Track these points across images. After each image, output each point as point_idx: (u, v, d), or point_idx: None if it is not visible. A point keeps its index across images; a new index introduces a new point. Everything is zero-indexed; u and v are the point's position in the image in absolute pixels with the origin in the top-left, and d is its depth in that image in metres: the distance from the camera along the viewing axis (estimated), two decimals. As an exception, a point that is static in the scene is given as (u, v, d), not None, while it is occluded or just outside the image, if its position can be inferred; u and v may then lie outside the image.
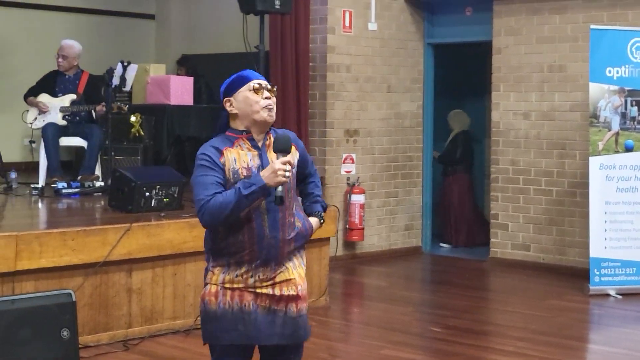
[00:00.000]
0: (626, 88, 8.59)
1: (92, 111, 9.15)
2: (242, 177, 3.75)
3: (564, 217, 9.49)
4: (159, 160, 10.22)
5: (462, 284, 9.01)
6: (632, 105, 8.60)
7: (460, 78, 11.63)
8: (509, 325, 7.35)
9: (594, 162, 8.52)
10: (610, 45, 8.57)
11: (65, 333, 5.46)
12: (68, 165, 9.88)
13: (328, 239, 8.02)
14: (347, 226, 9.98)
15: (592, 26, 8.65)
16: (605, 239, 8.47)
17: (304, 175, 4.08)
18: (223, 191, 3.71)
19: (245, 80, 3.84)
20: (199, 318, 4.02)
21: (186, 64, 11.58)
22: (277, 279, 3.84)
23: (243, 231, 3.78)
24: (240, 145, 3.82)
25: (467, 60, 11.57)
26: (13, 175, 8.79)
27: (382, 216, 10.54)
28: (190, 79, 10.82)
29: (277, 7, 8.41)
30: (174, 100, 10.38)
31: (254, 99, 3.79)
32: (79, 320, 5.78)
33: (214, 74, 11.67)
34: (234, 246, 3.80)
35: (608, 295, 8.38)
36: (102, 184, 8.53)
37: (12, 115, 9.77)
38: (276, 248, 3.81)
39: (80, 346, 5.78)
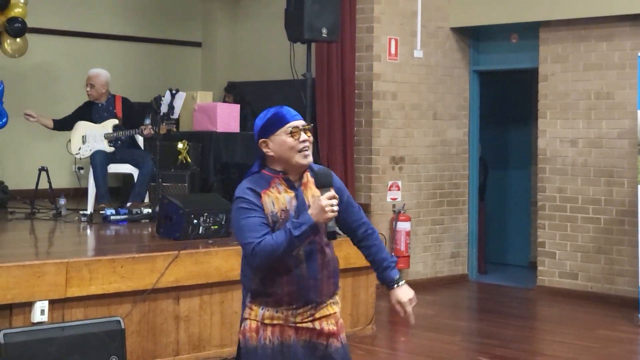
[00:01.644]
0: (675, 116, 8.51)
1: (137, 134, 9.21)
2: (281, 219, 3.69)
3: (612, 246, 9.39)
4: (205, 187, 10.26)
5: (510, 312, 8.93)
6: (682, 133, 8.50)
7: (506, 105, 11.58)
8: (558, 355, 7.27)
9: (643, 190, 8.43)
10: (659, 72, 8.50)
11: (114, 360, 5.48)
12: (115, 192, 9.95)
13: (374, 266, 7.98)
14: (393, 253, 9.95)
15: (641, 53, 8.59)
16: (656, 268, 8.36)
17: (351, 220, 3.97)
18: (269, 232, 3.65)
19: (281, 123, 3.75)
20: (240, 358, 3.89)
21: (233, 91, 11.65)
22: (317, 315, 3.80)
23: (281, 275, 3.73)
24: (276, 187, 3.75)
25: (512, 87, 11.52)
26: (62, 201, 8.87)
27: (427, 244, 10.50)
28: (237, 106, 10.88)
29: (325, 35, 8.44)
30: (220, 127, 10.43)
31: (291, 144, 3.72)
32: (127, 348, 5.80)
33: (260, 101, 11.75)
34: (272, 287, 3.75)
35: (660, 325, 8.28)
36: (150, 211, 8.57)
37: (59, 141, 9.86)
38: (316, 289, 3.77)
39: (128, 373, 5.80)
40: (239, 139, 10.73)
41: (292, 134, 3.72)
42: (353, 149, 9.87)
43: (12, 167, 10.51)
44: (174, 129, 9.02)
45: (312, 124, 3.92)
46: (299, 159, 3.74)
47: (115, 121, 9.25)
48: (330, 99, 9.64)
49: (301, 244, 3.65)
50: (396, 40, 10.11)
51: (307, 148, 3.76)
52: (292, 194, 3.77)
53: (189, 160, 10.00)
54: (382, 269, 3.97)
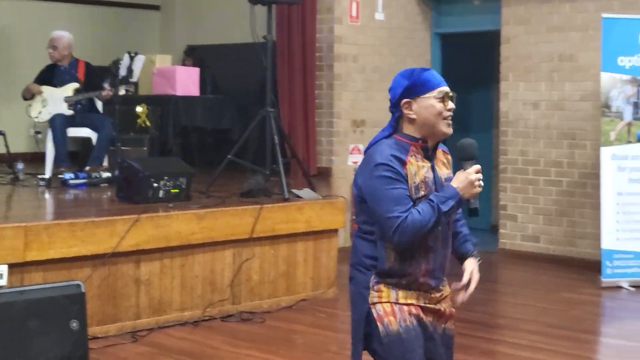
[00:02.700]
0: (638, 77, 8.50)
1: (96, 99, 9.07)
2: (422, 192, 3.42)
3: (575, 208, 9.40)
4: (165, 151, 10.16)
5: (472, 275, 8.92)
6: (644, 95, 8.52)
7: (468, 68, 11.54)
8: (521, 318, 7.27)
9: (605, 152, 8.42)
10: (622, 34, 8.46)
11: (74, 324, 5.37)
12: (74, 156, 9.80)
13: (336, 230, 7.95)
14: (353, 217, 9.89)
15: (604, 15, 8.54)
16: (617, 230, 8.38)
17: None
18: (412, 206, 3.39)
19: (431, 85, 3.45)
20: (381, 345, 3.48)
21: (192, 55, 11.50)
22: (442, 297, 3.59)
23: (420, 252, 3.46)
24: (414, 155, 3.47)
25: (475, 50, 11.47)
26: (20, 166, 8.73)
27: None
28: (197, 70, 10.75)
29: (286, -4, 8.32)
30: (180, 91, 10.31)
31: (439, 109, 3.45)
32: (87, 312, 5.70)
33: (220, 65, 11.64)
34: (408, 267, 3.46)
35: (620, 287, 8.29)
36: (109, 175, 8.45)
37: (17, 106, 9.69)
38: (445, 265, 3.56)
39: (88, 337, 5.71)
40: (198, 102, 10.62)
41: (442, 99, 3.46)
42: (314, 113, 9.77)
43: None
44: (132, 90, 8.88)
45: (454, 92, 3.56)
46: (443, 127, 3.47)
47: (76, 85, 9.10)
48: (291, 62, 9.53)
49: (447, 220, 3.45)
50: (357, 3, 10.01)
51: (451, 117, 3.51)
52: (429, 164, 3.51)
53: (148, 124, 9.89)
54: (463, 241, 3.70)
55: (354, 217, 3.55)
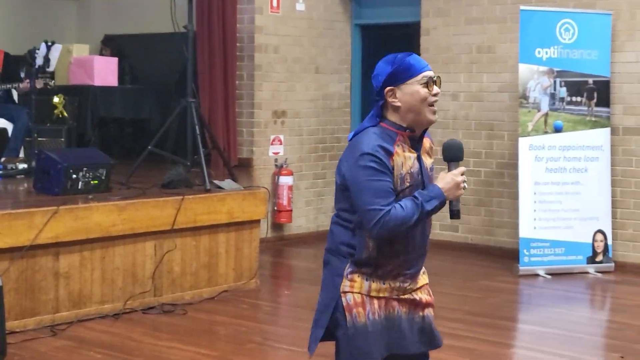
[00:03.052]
0: (555, 69, 8.65)
1: (14, 89, 8.89)
2: (407, 184, 3.36)
3: (493, 198, 9.54)
4: (83, 142, 10.01)
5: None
6: (561, 86, 8.66)
7: (388, 59, 11.59)
8: (441, 306, 7.22)
9: (523, 142, 8.56)
10: (539, 26, 8.61)
11: (-9, 319, 5.27)
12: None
13: (258, 221, 7.93)
14: (275, 208, 9.89)
15: (522, 7, 8.67)
16: (535, 219, 8.53)
17: None
18: (395, 200, 3.32)
19: (414, 70, 3.36)
20: (345, 335, 3.44)
21: (110, 44, 11.34)
22: (417, 286, 3.55)
23: (400, 241, 3.40)
24: (401, 145, 3.39)
25: (395, 41, 11.53)
26: None
27: (310, 198, 10.48)
28: (115, 60, 10.60)
29: (206, -15, 8.24)
30: (97, 81, 10.16)
31: (423, 95, 3.34)
32: (5, 305, 5.60)
33: (139, 55, 11.50)
34: (386, 257, 3.41)
35: (537, 275, 8.45)
36: (26, 166, 8.29)
37: None
38: (424, 255, 3.53)
39: (6, 332, 5.60)
40: (117, 92, 10.49)
41: (426, 84, 3.36)
42: (235, 103, 9.71)
43: None
44: (51, 84, 8.71)
45: (438, 76, 3.46)
46: (428, 113, 3.37)
47: (-7, 75, 8.92)
48: (212, 52, 9.44)
49: (427, 218, 3.38)
50: (278, -7, 9.98)
51: (435, 103, 3.41)
52: (415, 154, 3.43)
53: (65, 114, 9.73)
54: None
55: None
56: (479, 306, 7.31)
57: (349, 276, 3.44)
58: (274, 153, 10.01)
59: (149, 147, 7.94)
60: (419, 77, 3.36)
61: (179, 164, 7.97)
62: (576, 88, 8.69)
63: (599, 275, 8.53)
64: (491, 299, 7.57)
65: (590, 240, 8.61)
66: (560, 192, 8.59)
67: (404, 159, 3.37)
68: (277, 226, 10.04)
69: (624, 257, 8.77)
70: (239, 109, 9.82)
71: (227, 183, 7.93)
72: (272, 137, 10.00)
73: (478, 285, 8.07)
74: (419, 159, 3.43)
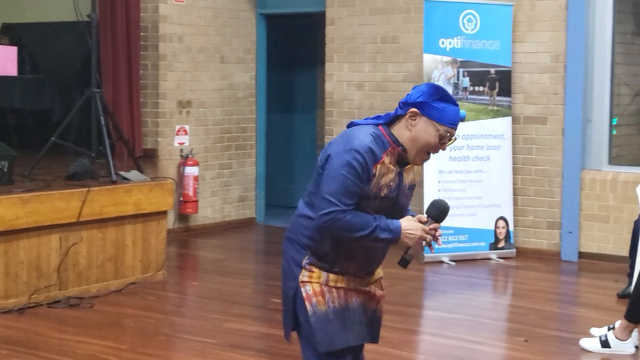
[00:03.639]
0: (458, 59, 8.78)
1: None
2: (382, 194, 3.37)
3: (398, 187, 9.62)
4: (-19, 133, 9.77)
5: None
6: (464, 76, 8.80)
7: (294, 49, 11.62)
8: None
9: (427, 132, 8.66)
10: (443, 17, 8.73)
11: None
12: None
13: (165, 212, 7.86)
14: (181, 199, 9.83)
15: (425, -2, 8.79)
16: (439, 207, 8.64)
17: None
18: (360, 205, 3.36)
19: (448, 119, 3.36)
20: (307, 324, 3.49)
21: (9, 33, 11.09)
22: (373, 281, 3.65)
23: (359, 248, 3.47)
24: (390, 157, 3.39)
25: (300, 31, 11.56)
26: None
27: (215, 188, 10.44)
28: (14, 49, 10.34)
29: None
30: (-4, 71, 9.91)
31: (432, 144, 3.37)
32: None
33: (39, 44, 11.27)
34: (343, 255, 3.47)
35: (442, 262, 8.60)
36: None
37: None
38: (380, 258, 3.60)
39: None
40: (16, 82, 10.26)
41: (442, 137, 3.37)
42: (139, 93, 9.60)
43: None
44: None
45: (455, 138, 3.49)
46: (419, 157, 3.41)
47: None
48: (115, 41, 9.31)
49: (374, 244, 3.42)
50: (182, -18, 9.89)
51: (432, 154, 3.45)
52: (397, 169, 3.43)
53: (-38, 105, 9.48)
54: None
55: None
56: (387, 294, 7.37)
57: (307, 267, 3.50)
58: (179, 143, 9.94)
59: (52, 138, 7.79)
60: (444, 127, 3.37)
61: (83, 156, 7.85)
62: (479, 78, 8.84)
63: (501, 261, 8.73)
64: (397, 287, 7.65)
65: (492, 227, 8.80)
66: (463, 180, 8.74)
67: (387, 171, 3.39)
68: (183, 217, 9.98)
69: (525, 243, 8.99)
70: (144, 99, 9.72)
71: (133, 174, 7.85)
72: (177, 127, 9.92)
73: (385, 274, 8.12)
74: (400, 175, 3.45)
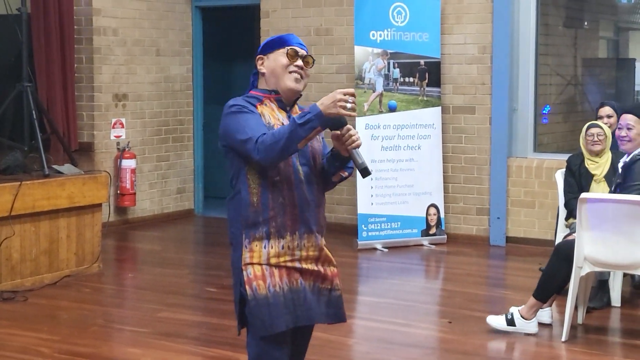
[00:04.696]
0: (389, 51, 8.95)
1: None
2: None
3: (332, 176, 9.76)
4: None
5: (236, 244, 9.12)
6: (394, 67, 8.96)
7: (230, 41, 11.70)
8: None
9: (360, 122, 8.83)
10: (373, 10, 8.89)
11: None
12: None
13: (100, 205, 7.92)
14: (119, 191, 9.88)
15: (357, -10, 8.93)
16: (372, 195, 8.83)
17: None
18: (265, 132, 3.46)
19: (282, 43, 3.64)
20: (249, 309, 3.54)
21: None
22: (321, 256, 3.64)
23: (282, 193, 3.52)
24: (269, 105, 3.61)
25: (236, 23, 11.65)
26: None
27: (153, 180, 10.51)
28: None
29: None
30: None
31: (284, 63, 3.59)
32: None
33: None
34: (273, 210, 3.52)
35: (375, 249, 8.77)
36: None
37: None
38: (314, 214, 3.59)
39: None
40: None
41: (288, 54, 3.60)
42: (74, 87, 9.62)
43: None
44: None
45: (314, 60, 3.70)
46: (288, 80, 3.59)
47: None
48: (48, 34, 9.31)
49: (306, 136, 3.39)
50: (116, -25, 9.93)
51: (299, 73, 3.60)
52: (285, 114, 3.61)
53: None
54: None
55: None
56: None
57: (247, 247, 3.56)
58: (115, 136, 9.99)
59: (-18, 133, 7.82)
60: (286, 48, 3.62)
61: (15, 150, 7.88)
62: (409, 69, 9.01)
63: (433, 247, 8.93)
64: (331, 274, 7.79)
65: (424, 214, 8.99)
66: (395, 169, 8.92)
67: (271, 111, 3.58)
68: (121, 210, 10.04)
69: (455, 229, 9.20)
70: (79, 93, 9.74)
71: (67, 167, 7.90)
72: (113, 120, 9.97)
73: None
74: (290, 118, 3.55)
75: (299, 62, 3.61)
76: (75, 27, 9.65)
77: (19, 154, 7.74)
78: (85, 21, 9.74)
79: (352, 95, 3.37)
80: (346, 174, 3.67)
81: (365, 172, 3.47)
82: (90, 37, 9.74)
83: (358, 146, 3.48)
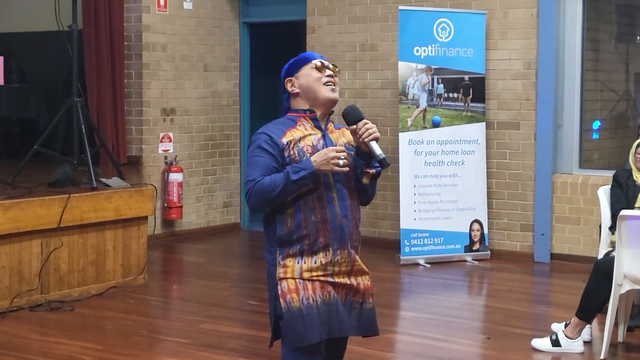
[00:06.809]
0: (433, 66, 8.99)
1: None
2: (308, 155, 3.60)
3: (377, 191, 9.77)
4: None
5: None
6: (438, 83, 9.00)
7: (276, 57, 11.79)
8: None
9: (403, 137, 8.88)
10: (417, 26, 8.93)
11: None
12: None
13: (146, 217, 8.05)
14: (166, 204, 10.02)
15: (401, 7, 8.98)
16: (415, 210, 8.86)
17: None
18: (266, 174, 3.59)
19: (306, 60, 3.77)
20: (283, 321, 3.64)
21: (-5, 43, 11.29)
22: (354, 269, 3.72)
23: (315, 212, 3.61)
24: (303, 125, 3.69)
25: (282, 39, 11.76)
26: None
27: (200, 194, 10.63)
28: (0, 58, 10.54)
29: (90, -15, 8.31)
30: (-16, 80, 10.09)
31: (317, 76, 3.71)
32: None
33: (26, 53, 11.46)
34: (306, 229, 3.61)
35: (417, 264, 8.79)
36: None
37: None
38: (347, 229, 3.65)
39: None
40: (3, 91, 10.45)
41: (318, 68, 3.72)
42: (123, 102, 9.80)
43: None
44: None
45: (338, 69, 3.82)
46: (325, 91, 3.70)
47: None
48: (99, 51, 9.51)
49: (298, 189, 3.56)
50: (165, -8, 10.10)
51: (331, 82, 3.71)
52: (319, 133, 3.70)
53: (-50, 114, 9.65)
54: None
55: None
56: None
57: (281, 262, 3.66)
58: (163, 150, 10.13)
59: (35, 147, 7.99)
60: (311, 63, 3.74)
61: (65, 163, 8.05)
62: (453, 85, 9.05)
63: (476, 262, 8.92)
64: (375, 288, 7.79)
65: (467, 230, 9.00)
66: (438, 184, 8.94)
67: (304, 133, 3.65)
68: (167, 222, 10.17)
69: (499, 245, 9.19)
70: (128, 107, 9.92)
71: (114, 181, 8.04)
72: (161, 134, 10.12)
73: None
74: (324, 137, 3.68)
75: (328, 72, 3.72)
76: (125, 43, 9.83)
77: (68, 167, 7.90)
78: (135, 37, 9.91)
79: (344, 152, 3.53)
80: (372, 170, 3.72)
81: (384, 163, 3.58)
82: (139, 52, 9.91)
83: (375, 138, 3.61)
